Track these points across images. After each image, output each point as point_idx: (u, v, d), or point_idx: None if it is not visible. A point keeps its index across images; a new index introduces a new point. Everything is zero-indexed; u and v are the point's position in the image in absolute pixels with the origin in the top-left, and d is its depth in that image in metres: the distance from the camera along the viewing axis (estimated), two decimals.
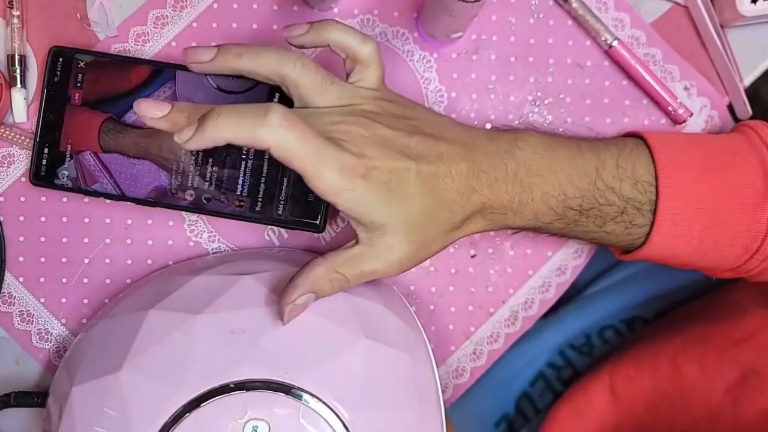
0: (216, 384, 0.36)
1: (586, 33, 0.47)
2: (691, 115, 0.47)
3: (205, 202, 0.44)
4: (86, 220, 0.47)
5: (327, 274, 0.36)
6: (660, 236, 0.39)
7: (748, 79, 0.49)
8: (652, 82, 0.47)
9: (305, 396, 0.36)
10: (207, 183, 0.44)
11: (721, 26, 0.48)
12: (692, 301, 0.52)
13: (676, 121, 0.47)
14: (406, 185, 0.36)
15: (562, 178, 0.39)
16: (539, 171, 0.38)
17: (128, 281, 0.47)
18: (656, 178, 0.39)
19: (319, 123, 0.36)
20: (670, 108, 0.47)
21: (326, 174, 0.34)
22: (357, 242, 0.37)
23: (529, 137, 0.39)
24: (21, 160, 0.46)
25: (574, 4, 0.46)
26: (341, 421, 0.36)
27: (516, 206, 0.38)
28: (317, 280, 0.36)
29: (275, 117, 0.33)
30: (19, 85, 0.45)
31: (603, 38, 0.46)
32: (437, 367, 0.42)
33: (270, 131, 0.33)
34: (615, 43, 0.46)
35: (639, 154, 0.40)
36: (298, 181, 0.44)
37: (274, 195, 0.44)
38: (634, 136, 0.42)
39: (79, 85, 0.44)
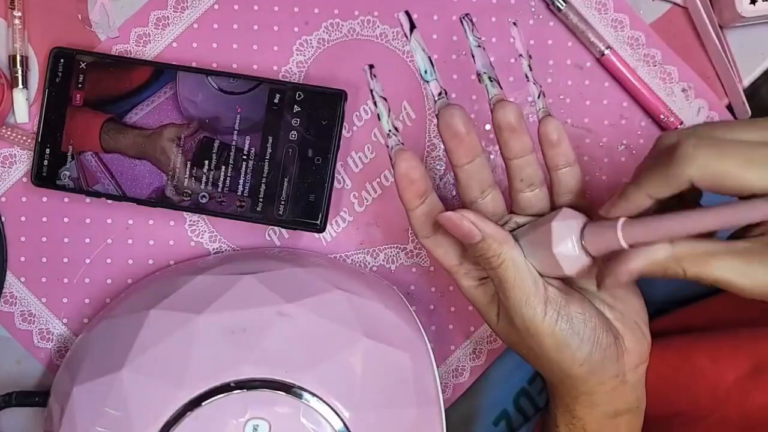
0: (217, 383, 0.36)
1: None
2: (682, 123, 0.47)
3: (205, 202, 0.44)
4: (87, 221, 0.47)
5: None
6: None
7: (748, 80, 0.49)
8: (643, 91, 0.47)
9: (305, 395, 0.36)
10: (208, 183, 0.44)
11: (720, 27, 0.48)
12: (689, 305, 0.52)
13: (667, 128, 0.48)
14: None
15: None
16: None
17: (129, 281, 0.47)
18: None
19: None
20: (661, 116, 0.47)
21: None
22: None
23: None
24: (22, 160, 0.46)
25: (566, 12, 0.46)
26: (341, 420, 0.36)
27: None
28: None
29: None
30: (20, 86, 0.45)
31: (594, 47, 0.47)
32: (437, 367, 0.42)
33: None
34: (607, 52, 0.47)
35: None
36: (298, 181, 0.44)
37: (275, 195, 0.44)
38: None
39: (80, 85, 0.44)
